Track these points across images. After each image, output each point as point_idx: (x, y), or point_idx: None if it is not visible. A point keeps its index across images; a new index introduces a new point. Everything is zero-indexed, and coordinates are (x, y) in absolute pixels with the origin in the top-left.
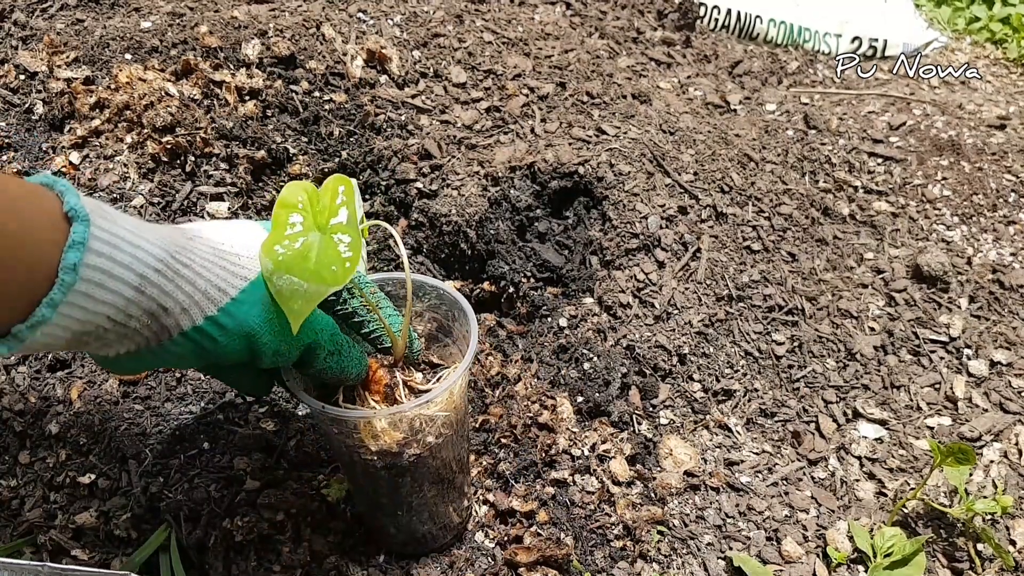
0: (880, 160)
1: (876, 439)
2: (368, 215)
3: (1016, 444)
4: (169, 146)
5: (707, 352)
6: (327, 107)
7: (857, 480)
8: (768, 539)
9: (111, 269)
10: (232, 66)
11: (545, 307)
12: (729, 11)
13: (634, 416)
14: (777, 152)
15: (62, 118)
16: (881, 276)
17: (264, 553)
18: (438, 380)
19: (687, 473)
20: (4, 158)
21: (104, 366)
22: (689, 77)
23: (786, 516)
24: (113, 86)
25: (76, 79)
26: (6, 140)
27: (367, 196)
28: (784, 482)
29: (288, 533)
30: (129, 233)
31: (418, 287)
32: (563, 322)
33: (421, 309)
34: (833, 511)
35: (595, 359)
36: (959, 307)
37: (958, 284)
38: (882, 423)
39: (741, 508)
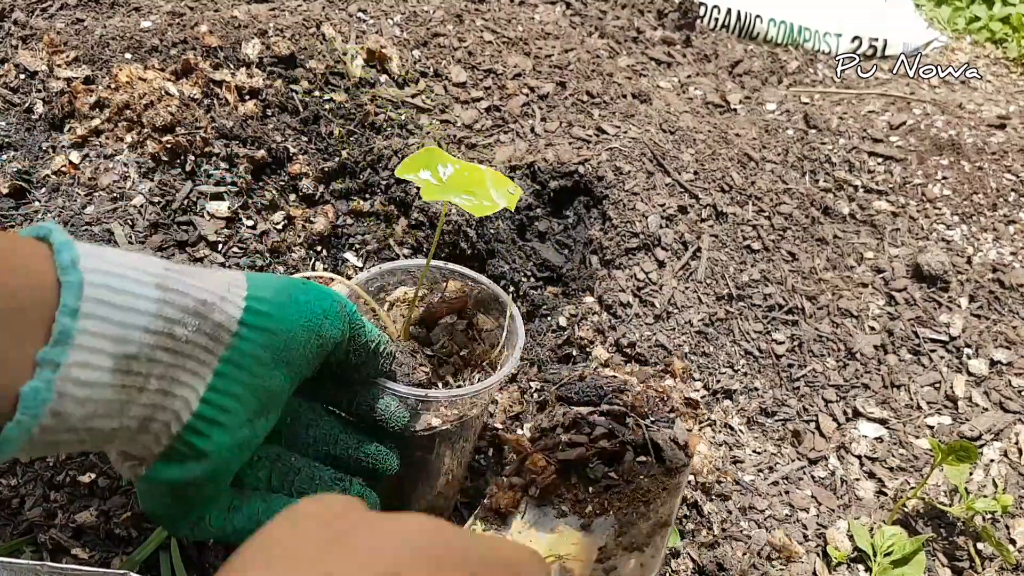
0: (880, 159)
1: (876, 438)
2: (368, 214)
3: (1016, 443)
4: (169, 145)
5: (707, 351)
6: (327, 106)
7: (857, 479)
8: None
9: (115, 270)
10: (232, 65)
11: (545, 306)
12: (729, 11)
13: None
14: (777, 151)
15: (62, 117)
16: (881, 275)
17: None
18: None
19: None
20: (4, 157)
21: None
22: (689, 76)
23: (787, 515)
24: (113, 85)
25: (76, 78)
26: (6, 139)
27: (367, 195)
28: (784, 481)
29: None
30: (118, 251)
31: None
32: (563, 321)
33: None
34: (833, 510)
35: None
36: (959, 306)
37: (958, 283)
38: (882, 422)
39: (743, 506)
